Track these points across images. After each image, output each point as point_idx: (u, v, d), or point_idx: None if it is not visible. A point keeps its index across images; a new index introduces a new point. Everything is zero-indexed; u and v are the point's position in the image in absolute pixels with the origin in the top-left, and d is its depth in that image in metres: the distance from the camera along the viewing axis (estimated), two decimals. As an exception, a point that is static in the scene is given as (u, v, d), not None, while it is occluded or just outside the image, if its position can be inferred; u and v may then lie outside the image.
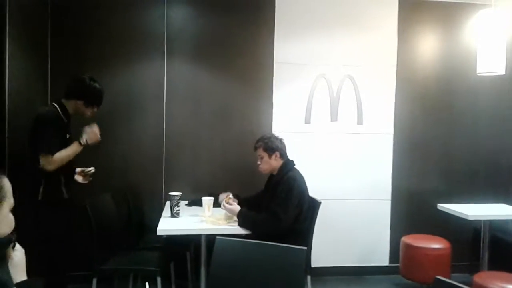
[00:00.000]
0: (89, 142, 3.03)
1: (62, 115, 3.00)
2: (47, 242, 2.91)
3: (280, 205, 3.02)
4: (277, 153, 3.28)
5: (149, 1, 4.12)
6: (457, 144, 4.58)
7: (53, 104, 3.04)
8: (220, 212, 3.24)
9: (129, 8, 4.08)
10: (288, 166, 3.29)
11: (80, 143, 2.99)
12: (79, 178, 3.23)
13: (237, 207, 3.11)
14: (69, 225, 3.05)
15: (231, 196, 3.28)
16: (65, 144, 2.97)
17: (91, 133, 3.04)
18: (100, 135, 3.10)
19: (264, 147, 3.28)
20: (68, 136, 3.04)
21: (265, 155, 3.28)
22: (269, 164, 3.29)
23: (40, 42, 3.87)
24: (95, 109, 3.14)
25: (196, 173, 4.21)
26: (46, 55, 3.95)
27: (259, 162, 3.33)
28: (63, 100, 3.04)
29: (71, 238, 3.09)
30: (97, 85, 3.07)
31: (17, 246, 1.31)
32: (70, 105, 3.04)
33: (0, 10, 2.96)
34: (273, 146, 3.27)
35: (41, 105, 3.65)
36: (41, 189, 2.89)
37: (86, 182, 3.24)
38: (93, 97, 3.06)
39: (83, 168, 3.22)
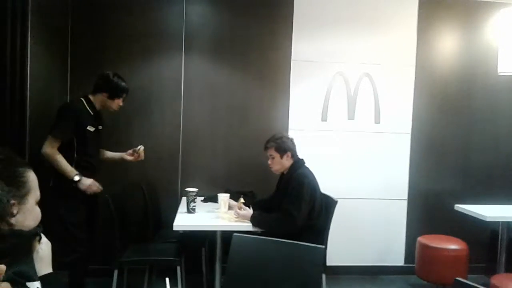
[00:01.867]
0: (82, 188, 3.04)
1: (88, 108, 3.16)
2: (59, 232, 2.89)
3: (292, 203, 3.03)
4: (289, 153, 3.28)
5: (168, -2, 4.14)
6: (475, 145, 4.53)
7: (79, 98, 3.20)
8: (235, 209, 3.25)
9: (147, 6, 4.10)
10: (298, 164, 3.29)
11: (76, 175, 3.01)
12: (129, 158, 3.50)
13: (249, 212, 3.11)
14: (81, 215, 3.11)
15: (242, 200, 3.26)
16: (87, 136, 3.10)
17: (88, 187, 3.07)
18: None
19: (276, 147, 3.28)
20: (93, 129, 3.17)
21: (277, 155, 3.27)
22: (281, 164, 3.29)
23: (60, 42, 3.93)
24: (120, 103, 3.29)
25: (212, 170, 4.23)
26: (66, 54, 4.00)
27: (269, 162, 3.33)
28: (90, 96, 3.21)
29: (86, 228, 3.13)
30: (120, 80, 3.24)
31: (43, 239, 1.32)
32: (97, 99, 3.21)
33: (22, 11, 3.00)
34: (285, 146, 3.27)
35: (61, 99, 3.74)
36: (53, 176, 3.00)
37: (139, 159, 3.51)
38: (116, 90, 3.22)
39: (134, 149, 3.48)
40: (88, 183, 3.07)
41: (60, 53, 3.91)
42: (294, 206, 3.02)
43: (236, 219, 3.07)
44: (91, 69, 3.80)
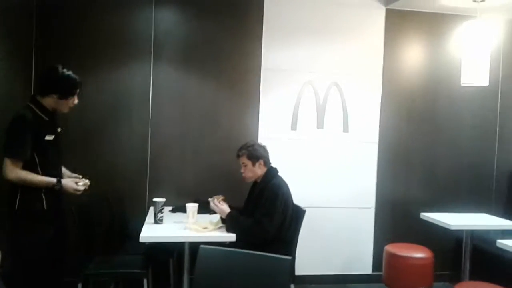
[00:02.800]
0: (69, 191, 2.79)
1: (40, 113, 2.75)
2: (23, 262, 2.67)
3: (265, 215, 3.04)
4: (261, 161, 3.28)
5: (137, 4, 4.08)
6: (440, 154, 4.63)
7: (28, 105, 2.76)
8: (204, 219, 3.22)
9: (116, 10, 4.04)
10: (271, 173, 3.29)
11: (54, 185, 2.73)
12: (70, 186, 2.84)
13: (227, 209, 3.11)
14: (49, 244, 2.76)
15: (222, 198, 3.24)
16: (47, 147, 2.76)
17: (75, 189, 2.81)
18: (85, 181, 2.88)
19: (248, 155, 3.27)
20: (53, 136, 2.80)
21: (249, 163, 3.27)
22: (254, 172, 3.29)
23: (25, 44, 3.81)
24: (75, 101, 2.87)
25: (181, 179, 4.17)
26: (30, 57, 3.87)
27: (242, 170, 3.32)
28: (39, 97, 2.77)
29: (51, 256, 2.80)
30: (70, 73, 2.80)
31: None
32: (47, 101, 2.78)
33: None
34: (257, 154, 3.27)
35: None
36: (17, 200, 2.66)
37: (77, 193, 2.86)
38: (68, 87, 2.79)
39: (77, 178, 2.94)
40: (71, 185, 2.77)
41: (24, 55, 3.78)
42: (267, 217, 3.03)
43: (205, 229, 3.03)
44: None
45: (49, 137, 2.79)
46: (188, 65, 4.18)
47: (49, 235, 2.77)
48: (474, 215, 4.03)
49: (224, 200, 3.26)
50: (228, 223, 3.04)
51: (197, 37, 4.19)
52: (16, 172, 2.64)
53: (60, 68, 2.79)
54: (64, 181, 2.80)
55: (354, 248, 4.51)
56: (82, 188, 2.84)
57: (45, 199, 2.73)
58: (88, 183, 2.89)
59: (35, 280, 2.72)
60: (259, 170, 3.28)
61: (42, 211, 2.72)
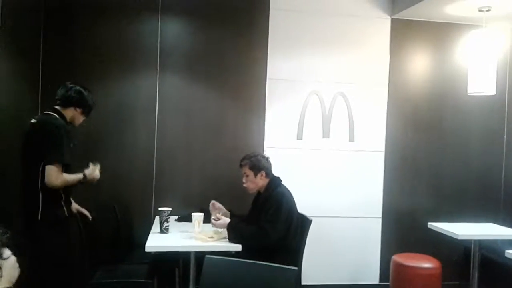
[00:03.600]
0: (88, 178, 2.93)
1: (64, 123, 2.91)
2: (49, 266, 2.75)
3: (269, 222, 3.04)
4: (263, 172, 3.28)
5: (143, 15, 4.12)
6: (447, 163, 4.60)
7: (52, 114, 2.88)
8: (210, 228, 3.21)
9: (123, 21, 4.08)
10: (275, 182, 3.30)
11: (85, 175, 2.91)
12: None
13: (226, 220, 3.11)
14: (71, 246, 2.91)
15: (220, 212, 3.25)
16: (72, 154, 2.86)
17: (95, 176, 2.98)
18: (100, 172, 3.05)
19: (250, 165, 3.28)
20: (72, 145, 2.90)
21: (251, 174, 3.28)
22: (255, 183, 3.29)
23: (32, 55, 3.84)
24: (85, 119, 3.08)
25: (187, 188, 4.17)
26: (38, 71, 3.92)
27: (244, 180, 3.33)
28: (59, 108, 2.91)
29: (73, 260, 2.94)
30: (91, 96, 3.04)
31: (10, 256, 1.34)
32: (68, 113, 2.94)
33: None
34: (259, 165, 3.28)
35: (30, 118, 3.60)
36: (40, 208, 2.73)
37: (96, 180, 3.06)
38: (90, 107, 3.03)
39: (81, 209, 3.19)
40: (95, 175, 2.97)
41: (31, 69, 3.82)
42: (270, 224, 3.03)
43: (210, 239, 3.03)
44: (64, 82, 3.73)
45: (72, 145, 2.91)
46: (193, 75, 4.20)
47: (75, 236, 2.98)
48: (482, 225, 3.99)
49: (219, 210, 3.28)
50: (230, 233, 3.02)
51: (203, 47, 4.21)
52: (61, 178, 2.75)
53: (84, 91, 2.98)
54: (87, 172, 2.93)
55: (361, 258, 4.48)
56: (99, 174, 3.01)
57: (65, 207, 2.85)
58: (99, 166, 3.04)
59: (64, 284, 2.83)
60: (260, 181, 3.29)
61: (65, 218, 2.84)
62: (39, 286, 2.74)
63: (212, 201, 3.39)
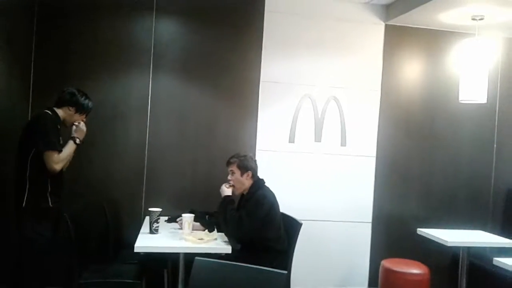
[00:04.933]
0: (78, 136, 3.14)
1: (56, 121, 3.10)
2: (28, 253, 2.92)
3: (247, 215, 3.09)
4: (250, 173, 3.31)
5: (137, 14, 4.11)
6: (438, 170, 4.63)
7: (46, 111, 3.08)
8: (200, 230, 3.21)
9: (117, 20, 4.06)
10: (258, 184, 3.33)
11: (75, 142, 3.11)
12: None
13: (228, 192, 3.29)
14: (53, 237, 3.04)
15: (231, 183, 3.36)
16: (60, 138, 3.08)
17: (80, 130, 3.16)
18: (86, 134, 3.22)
19: (238, 164, 3.31)
20: (61, 143, 3.10)
21: (238, 172, 3.31)
22: (241, 182, 3.32)
23: (24, 54, 3.82)
24: (84, 119, 3.24)
25: (178, 189, 4.16)
26: (29, 67, 3.88)
27: (229, 178, 3.35)
28: (54, 108, 3.13)
29: (54, 250, 3.05)
30: (86, 97, 3.23)
31: None
32: (61, 112, 3.14)
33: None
34: (247, 165, 3.31)
35: (21, 118, 3.61)
36: (25, 197, 2.91)
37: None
38: (85, 105, 3.20)
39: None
40: (82, 131, 3.17)
41: (22, 68, 3.79)
42: (248, 217, 3.08)
43: (200, 240, 3.01)
44: (56, 80, 3.72)
45: (61, 141, 3.10)
46: (187, 76, 4.19)
47: (55, 232, 3.09)
48: (470, 232, 4.01)
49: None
50: (220, 205, 3.21)
51: (197, 48, 4.20)
52: (59, 161, 2.97)
53: (76, 92, 3.18)
54: (77, 134, 3.14)
55: (350, 263, 4.48)
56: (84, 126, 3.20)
57: (50, 198, 2.99)
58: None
59: (43, 271, 2.99)
60: (246, 182, 3.31)
61: (48, 208, 2.97)
62: (20, 272, 2.95)
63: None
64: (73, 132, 3.16)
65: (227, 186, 3.33)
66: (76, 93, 3.18)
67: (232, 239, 3.05)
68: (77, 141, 3.13)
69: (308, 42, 4.38)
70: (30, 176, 2.92)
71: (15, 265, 3.04)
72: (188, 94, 4.19)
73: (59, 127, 3.11)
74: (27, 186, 2.92)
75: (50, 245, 2.99)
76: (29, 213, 2.91)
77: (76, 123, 3.17)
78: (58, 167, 2.96)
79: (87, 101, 3.22)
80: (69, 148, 3.08)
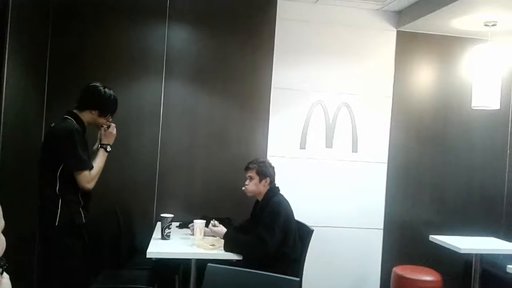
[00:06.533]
0: (107, 141, 2.89)
1: (80, 128, 2.79)
2: (62, 271, 2.72)
3: (266, 230, 3.02)
4: (268, 179, 3.29)
5: (151, 22, 4.15)
6: (450, 176, 4.60)
7: (67, 118, 2.81)
8: (211, 236, 3.22)
9: (130, 28, 4.11)
10: (273, 191, 3.30)
11: (106, 150, 2.87)
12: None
13: (223, 229, 3.11)
14: (84, 254, 2.82)
15: (215, 222, 3.23)
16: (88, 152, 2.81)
17: (109, 135, 2.91)
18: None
19: (257, 170, 3.28)
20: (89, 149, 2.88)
21: (256, 178, 3.28)
22: (257, 187, 3.29)
23: (39, 59, 3.86)
24: (110, 118, 2.95)
25: (189, 195, 4.18)
26: (44, 72, 3.94)
27: (246, 183, 3.33)
28: (76, 111, 2.83)
29: (82, 268, 2.84)
30: (111, 92, 2.90)
31: (4, 274, 1.25)
32: (85, 116, 2.83)
33: (1, 29, 2.96)
34: (266, 171, 3.29)
35: (36, 122, 3.62)
36: (58, 214, 2.66)
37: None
38: (108, 106, 2.88)
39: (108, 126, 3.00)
40: (113, 136, 2.92)
41: (37, 73, 3.83)
42: (267, 232, 3.01)
43: (212, 247, 3.03)
44: (70, 86, 3.74)
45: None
46: (199, 82, 4.22)
47: (83, 248, 2.82)
48: (483, 239, 3.99)
49: (227, 220, 3.27)
50: (227, 242, 3.00)
51: (209, 55, 4.23)
52: (92, 179, 2.75)
53: (101, 87, 2.87)
54: (106, 140, 2.90)
55: (362, 269, 4.47)
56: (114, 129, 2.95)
57: (83, 213, 2.78)
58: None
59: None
60: (262, 188, 3.29)
61: (82, 224, 2.76)
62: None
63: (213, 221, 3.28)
64: (101, 137, 2.90)
65: (211, 226, 3.16)
66: (95, 92, 2.85)
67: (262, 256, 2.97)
68: (108, 148, 2.88)
69: (319, 49, 4.40)
70: (60, 192, 2.67)
71: (39, 281, 2.89)
72: (200, 100, 4.22)
73: (83, 133, 2.81)
74: (60, 202, 2.66)
75: (80, 262, 2.78)
76: (65, 230, 2.68)
77: (104, 126, 2.90)
78: (91, 186, 2.74)
79: (111, 99, 2.88)
80: (101, 159, 2.84)
